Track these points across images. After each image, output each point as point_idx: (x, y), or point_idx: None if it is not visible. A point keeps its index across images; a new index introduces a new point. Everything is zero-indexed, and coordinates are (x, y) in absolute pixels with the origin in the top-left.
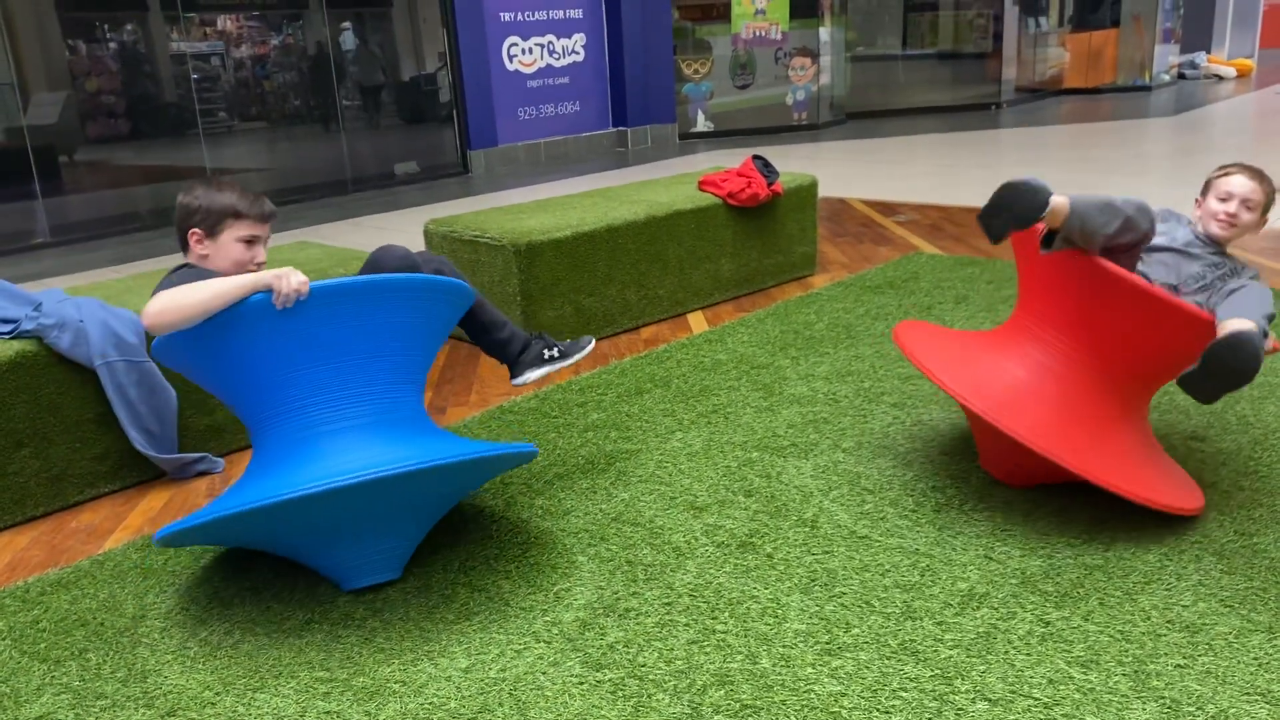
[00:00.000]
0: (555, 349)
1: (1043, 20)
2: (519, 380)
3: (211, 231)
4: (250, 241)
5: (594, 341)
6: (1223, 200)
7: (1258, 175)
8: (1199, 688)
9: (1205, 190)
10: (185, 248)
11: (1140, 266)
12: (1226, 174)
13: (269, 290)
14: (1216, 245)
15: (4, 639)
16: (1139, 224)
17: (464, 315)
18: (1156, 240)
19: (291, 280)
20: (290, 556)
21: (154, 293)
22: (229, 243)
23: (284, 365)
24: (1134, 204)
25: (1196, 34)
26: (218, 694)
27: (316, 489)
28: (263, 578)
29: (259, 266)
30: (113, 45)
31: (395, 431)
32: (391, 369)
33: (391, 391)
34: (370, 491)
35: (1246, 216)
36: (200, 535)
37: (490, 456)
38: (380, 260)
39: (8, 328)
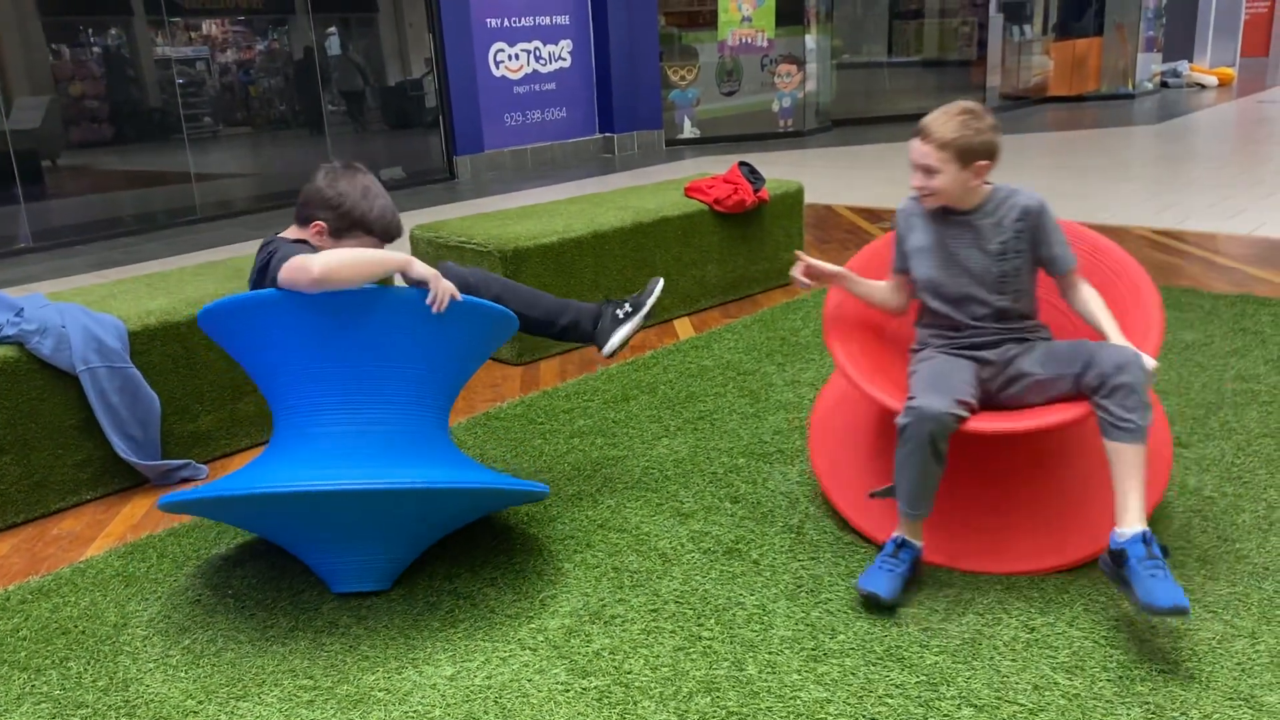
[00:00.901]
0: (625, 305)
1: (1027, 28)
2: (608, 350)
3: (336, 234)
4: None
5: (662, 281)
6: (914, 170)
7: (941, 122)
8: (1183, 692)
9: None
10: (302, 223)
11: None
12: (915, 130)
13: (420, 283)
14: (949, 209)
15: None
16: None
17: (522, 326)
18: (924, 273)
19: (444, 284)
20: (284, 546)
21: (272, 260)
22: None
23: (318, 357)
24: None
25: (1179, 43)
26: (200, 703)
27: (311, 488)
28: (246, 585)
29: None
30: (97, 49)
31: (410, 447)
32: (418, 384)
33: (416, 407)
34: (363, 502)
35: (940, 183)
36: (202, 508)
37: (494, 489)
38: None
39: None
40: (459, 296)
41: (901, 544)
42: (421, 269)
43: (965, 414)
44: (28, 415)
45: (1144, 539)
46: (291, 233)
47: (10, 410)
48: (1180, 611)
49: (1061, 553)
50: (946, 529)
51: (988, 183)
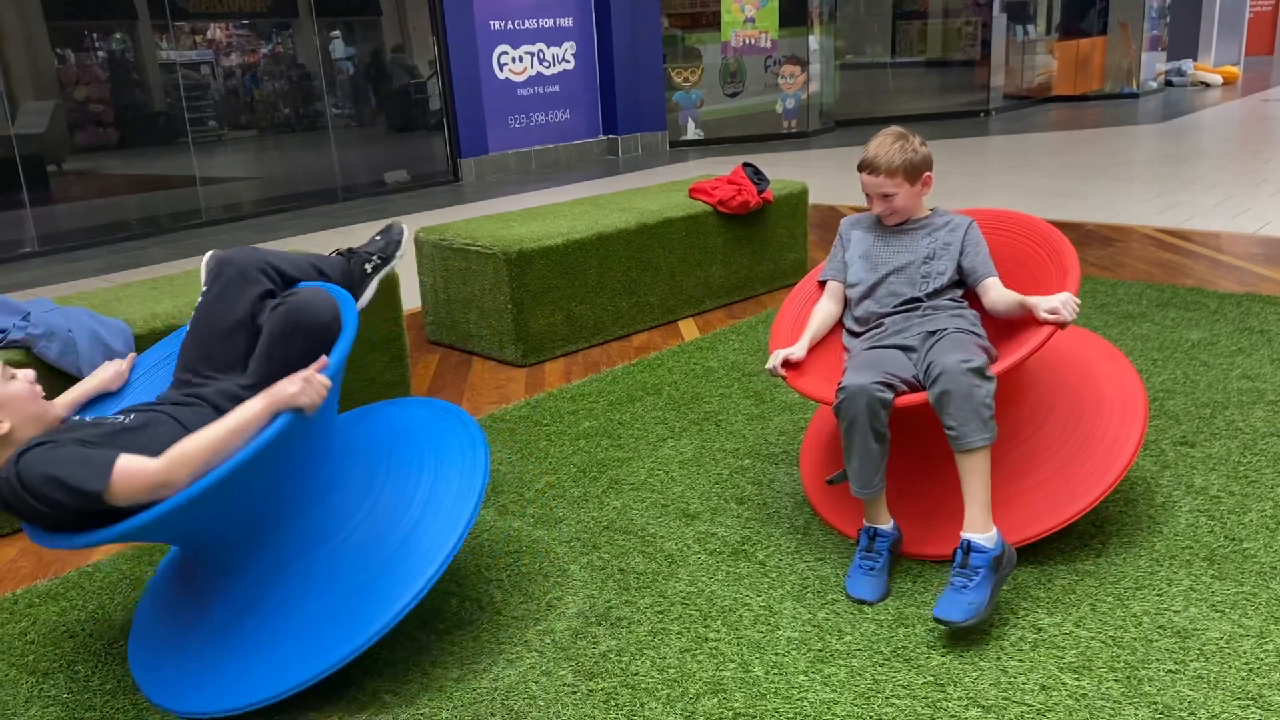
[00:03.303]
0: (374, 258)
1: (1030, 28)
2: (362, 304)
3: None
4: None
5: (405, 227)
6: (869, 198)
7: (886, 152)
8: (1191, 693)
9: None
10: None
11: (870, 306)
12: (861, 165)
13: (296, 410)
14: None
15: None
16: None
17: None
18: (856, 282)
19: (313, 384)
20: None
21: (21, 477)
22: None
23: (286, 496)
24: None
25: (1183, 41)
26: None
27: (356, 648)
28: None
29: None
30: (101, 54)
31: (374, 520)
32: (332, 454)
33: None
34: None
35: (899, 202)
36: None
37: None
38: (303, 320)
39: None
40: (327, 383)
41: (874, 535)
42: (283, 396)
43: (893, 386)
44: None
45: (964, 547)
46: None
47: None
48: (942, 622)
49: (1048, 517)
50: (937, 516)
51: (931, 209)
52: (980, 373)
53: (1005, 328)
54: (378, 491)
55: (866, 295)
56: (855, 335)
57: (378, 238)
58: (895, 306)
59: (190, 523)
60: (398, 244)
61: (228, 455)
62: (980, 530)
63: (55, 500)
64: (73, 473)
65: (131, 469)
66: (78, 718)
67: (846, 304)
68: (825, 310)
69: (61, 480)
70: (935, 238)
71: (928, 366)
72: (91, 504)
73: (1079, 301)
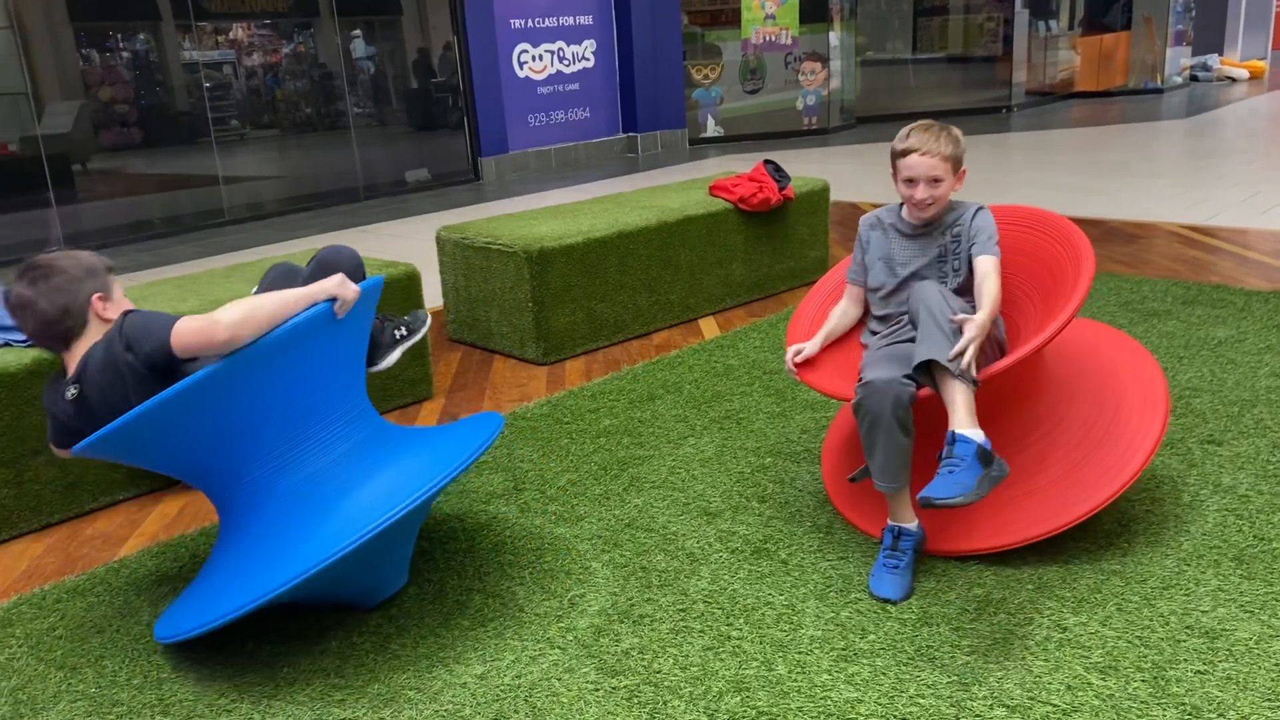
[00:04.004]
0: (401, 327)
1: (1053, 23)
2: (383, 367)
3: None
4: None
5: (429, 317)
6: (907, 184)
7: (934, 139)
8: (1220, 694)
9: (893, 165)
10: (66, 338)
11: (883, 312)
12: (906, 150)
13: (331, 298)
14: (927, 224)
15: (21, 646)
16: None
17: None
18: (878, 284)
19: (348, 286)
20: (303, 602)
21: (135, 344)
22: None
23: (249, 424)
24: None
25: (1209, 36)
26: (234, 701)
27: (349, 545)
28: None
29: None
30: (125, 54)
31: (385, 453)
32: (353, 389)
33: (361, 412)
34: (393, 527)
35: (943, 188)
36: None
37: (476, 449)
38: (335, 261)
39: (23, 335)
40: (358, 289)
41: (898, 533)
42: (327, 287)
43: (916, 380)
44: None
45: (949, 439)
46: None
47: (44, 412)
48: (926, 500)
49: (1066, 511)
50: (951, 514)
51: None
52: (947, 300)
53: (1026, 323)
54: (394, 439)
55: (888, 297)
56: (875, 334)
57: (405, 317)
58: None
59: (215, 415)
60: (424, 323)
61: (278, 324)
62: (965, 427)
63: (145, 352)
64: (153, 323)
65: (193, 323)
66: (105, 712)
67: (868, 306)
68: (843, 310)
69: (146, 325)
70: (949, 234)
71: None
72: (165, 353)
73: (976, 341)
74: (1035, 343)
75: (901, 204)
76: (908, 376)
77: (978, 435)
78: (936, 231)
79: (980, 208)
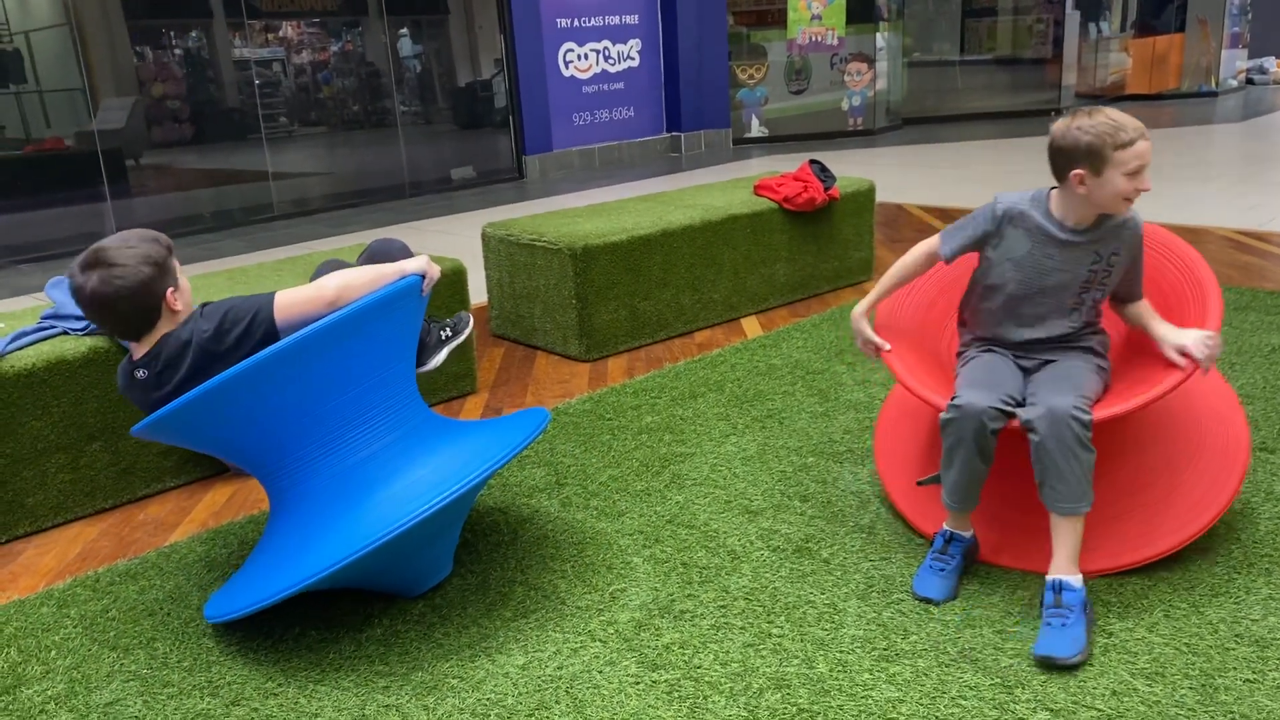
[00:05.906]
0: (446, 328)
1: (1104, 25)
2: (430, 368)
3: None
4: None
5: (472, 319)
6: (1134, 175)
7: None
8: (1269, 703)
9: (1091, 164)
10: (140, 330)
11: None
12: (1133, 139)
13: (420, 274)
14: (1090, 228)
15: (76, 627)
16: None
17: None
18: (1003, 279)
19: (435, 266)
20: (350, 588)
21: (253, 316)
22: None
23: (310, 403)
24: None
25: (1265, 38)
26: (280, 685)
27: (399, 528)
28: None
29: None
30: (178, 51)
31: (434, 441)
32: (403, 378)
33: (412, 400)
34: (440, 512)
35: None
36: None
37: (523, 440)
38: (386, 252)
39: (80, 324)
40: (439, 270)
41: (950, 538)
42: (415, 263)
43: (1009, 410)
44: (118, 404)
45: (1054, 586)
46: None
47: (100, 399)
48: (1048, 660)
49: (1150, 544)
50: (1021, 529)
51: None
52: (1082, 439)
53: (1135, 353)
54: (442, 429)
55: (1004, 306)
56: (972, 332)
57: (449, 319)
58: (1029, 338)
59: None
60: (468, 323)
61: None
62: (1068, 574)
63: (239, 332)
64: (244, 303)
65: (296, 294)
66: (155, 692)
67: (972, 293)
68: (913, 269)
69: (238, 309)
70: (1101, 253)
71: (1035, 395)
72: (267, 327)
73: (1220, 343)
74: (1142, 398)
75: (1046, 200)
76: (998, 410)
77: (1079, 580)
78: (1096, 239)
79: (1141, 227)
